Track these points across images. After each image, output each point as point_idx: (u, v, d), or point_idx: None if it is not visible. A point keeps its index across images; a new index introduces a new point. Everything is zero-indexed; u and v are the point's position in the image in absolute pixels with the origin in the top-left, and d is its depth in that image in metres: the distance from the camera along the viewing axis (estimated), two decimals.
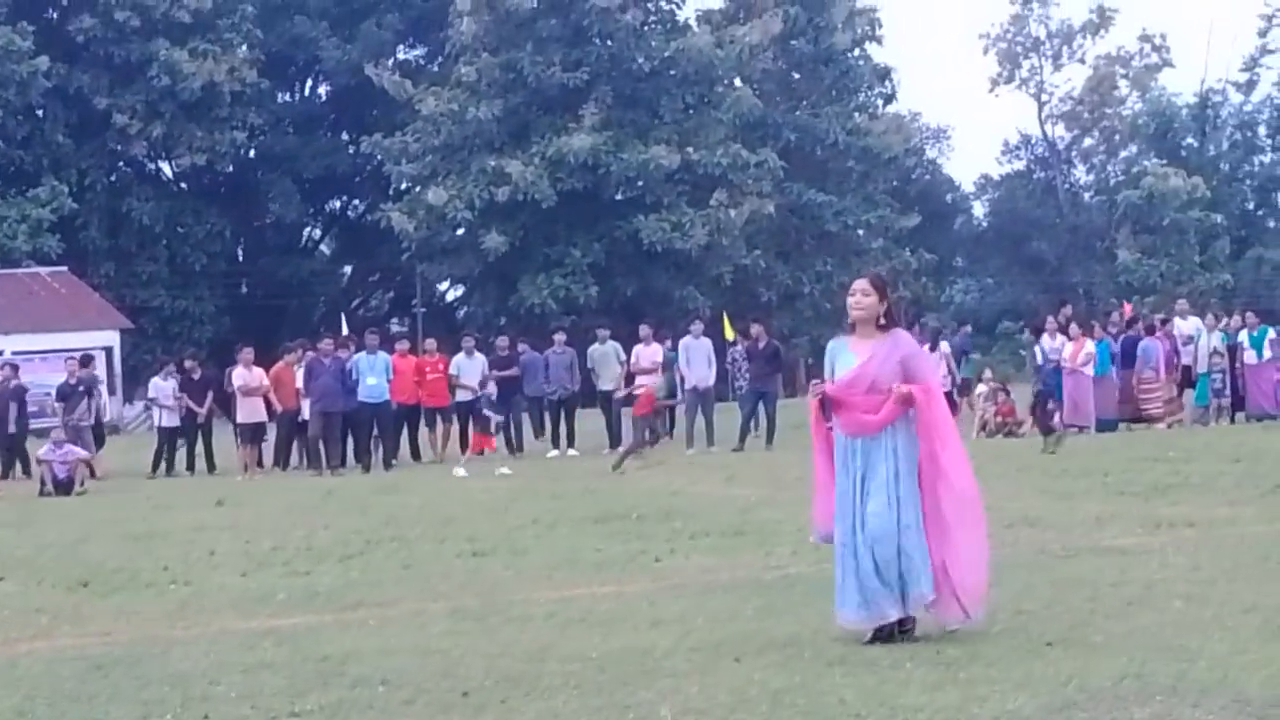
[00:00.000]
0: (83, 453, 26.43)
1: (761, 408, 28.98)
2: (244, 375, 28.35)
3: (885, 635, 9.17)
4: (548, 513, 17.92)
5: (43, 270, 59.00)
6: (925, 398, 9.25)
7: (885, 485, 9.18)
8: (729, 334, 31.07)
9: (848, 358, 9.44)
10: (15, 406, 29.33)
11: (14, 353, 43.25)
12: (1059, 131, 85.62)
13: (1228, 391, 30.03)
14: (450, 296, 76.29)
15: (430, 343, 31.32)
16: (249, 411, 28.08)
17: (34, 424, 31.01)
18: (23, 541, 17.48)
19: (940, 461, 9.20)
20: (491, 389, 28.18)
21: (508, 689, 8.45)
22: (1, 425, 29.23)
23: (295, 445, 28.99)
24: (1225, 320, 31.85)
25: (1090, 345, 28.96)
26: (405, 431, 29.62)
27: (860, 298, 9.40)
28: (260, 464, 28.34)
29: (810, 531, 10.09)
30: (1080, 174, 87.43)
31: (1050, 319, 30.54)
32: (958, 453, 9.35)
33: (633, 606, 11.13)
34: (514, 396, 30.39)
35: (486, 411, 27.19)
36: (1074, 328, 29.55)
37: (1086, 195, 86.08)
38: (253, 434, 28.18)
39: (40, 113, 64.91)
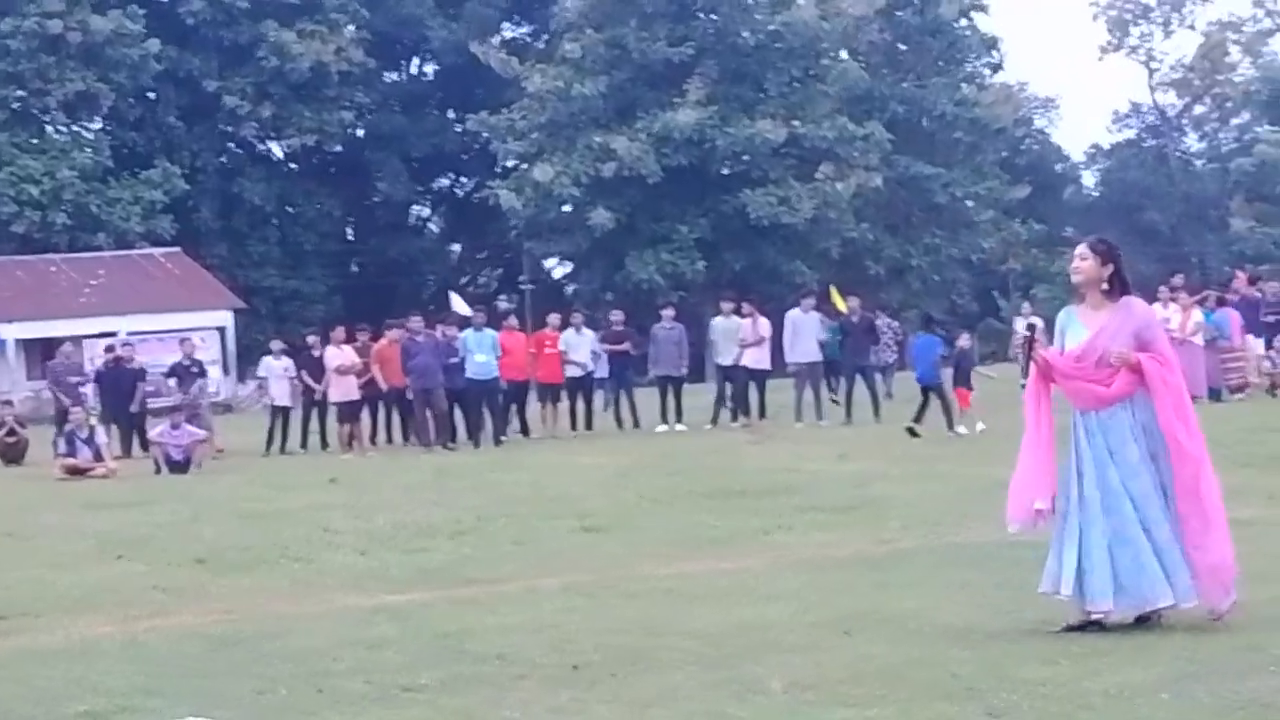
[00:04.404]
0: (200, 433, 26.67)
1: (862, 381, 28.89)
2: (336, 354, 28.64)
3: (1083, 627, 8.71)
4: (659, 489, 17.95)
5: (156, 251, 59.68)
6: (1159, 368, 8.78)
7: (1140, 468, 8.72)
8: (841, 306, 30.87)
9: (1077, 329, 8.98)
10: (136, 386, 29.76)
11: (129, 333, 43.80)
12: (1170, 99, 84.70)
13: None
14: (558, 273, 76.52)
15: (554, 318, 31.34)
16: (343, 390, 28.38)
17: (151, 404, 31.35)
18: (141, 520, 17.70)
19: (1178, 436, 8.70)
20: None
21: (620, 664, 8.48)
22: (122, 404, 29.70)
23: (403, 422, 29.16)
24: None
25: (1198, 314, 28.66)
26: (515, 408, 29.72)
27: (1078, 262, 8.96)
28: (361, 440, 28.61)
29: (1006, 521, 9.14)
30: (1192, 142, 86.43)
31: (1161, 289, 30.22)
32: (1194, 425, 8.84)
33: (746, 582, 11.14)
34: (626, 371, 30.50)
35: (980, 369, 27.28)
36: (1183, 296, 29.24)
37: (1199, 163, 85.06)
38: (348, 412, 28.50)
39: (152, 95, 65.67)
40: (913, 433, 23.93)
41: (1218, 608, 8.74)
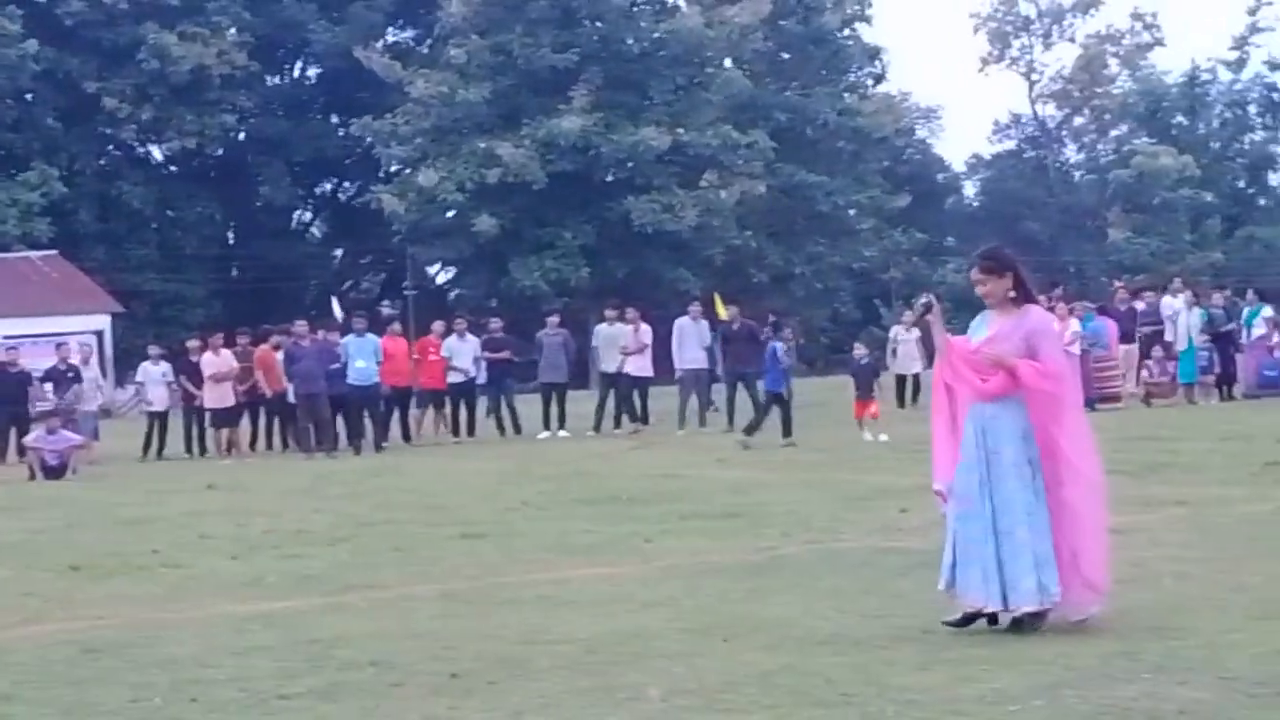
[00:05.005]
0: (76, 438, 26.35)
1: (744, 389, 28.93)
2: (213, 360, 28.47)
3: (968, 621, 8.83)
4: (539, 495, 17.92)
5: (33, 254, 58.91)
6: (1036, 376, 8.80)
7: (1013, 470, 8.78)
8: (723, 313, 30.89)
9: (981, 331, 9.06)
10: (26, 391, 29.11)
11: (5, 337, 43.13)
12: (1049, 111, 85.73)
13: (1215, 369, 30.15)
14: (441, 279, 76.30)
15: (437, 325, 31.23)
16: (218, 396, 28.25)
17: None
18: (13, 526, 17.46)
19: (1060, 444, 8.82)
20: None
21: (497, 671, 8.45)
22: (6, 408, 29.00)
23: (284, 428, 29.00)
24: (1211, 297, 31.98)
25: (1075, 324, 28.94)
26: (397, 414, 29.61)
27: (980, 288, 9.00)
28: (239, 446, 28.45)
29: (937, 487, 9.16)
30: (1071, 153, 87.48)
31: (1040, 298, 30.51)
32: (1080, 436, 8.97)
33: (623, 589, 11.14)
34: (506, 378, 30.44)
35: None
36: (1059, 306, 29.55)
37: (1077, 174, 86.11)
38: (224, 418, 28.32)
39: (29, 97, 64.90)
40: (746, 445, 24.05)
41: (1081, 614, 8.85)
